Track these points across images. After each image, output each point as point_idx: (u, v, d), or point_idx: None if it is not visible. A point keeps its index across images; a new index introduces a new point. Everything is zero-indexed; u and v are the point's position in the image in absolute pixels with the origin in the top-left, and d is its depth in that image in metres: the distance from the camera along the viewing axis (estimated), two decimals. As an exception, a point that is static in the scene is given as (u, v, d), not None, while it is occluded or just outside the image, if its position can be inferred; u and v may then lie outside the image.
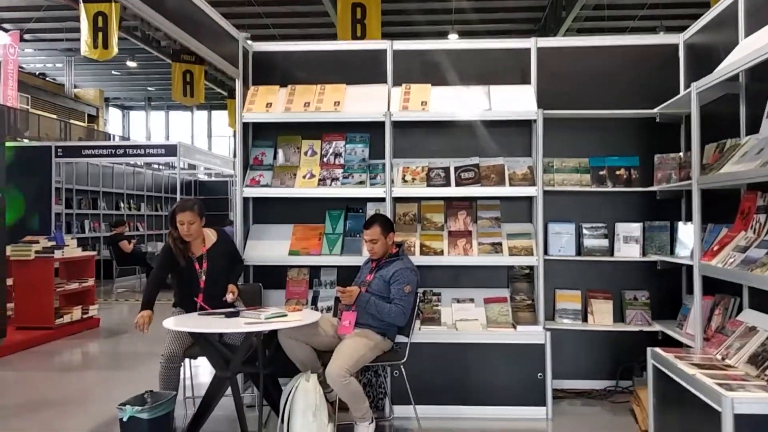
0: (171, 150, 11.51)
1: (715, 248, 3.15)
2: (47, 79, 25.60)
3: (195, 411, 3.65)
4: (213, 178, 17.26)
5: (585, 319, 4.41)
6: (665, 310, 4.35)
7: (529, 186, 4.31)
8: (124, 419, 3.31)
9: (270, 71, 4.79)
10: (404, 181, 4.42)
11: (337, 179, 4.43)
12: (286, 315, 3.58)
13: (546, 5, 13.65)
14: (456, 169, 4.42)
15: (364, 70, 4.69)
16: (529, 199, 4.50)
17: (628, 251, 4.33)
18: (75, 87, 25.90)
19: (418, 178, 4.42)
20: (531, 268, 4.38)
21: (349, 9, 9.55)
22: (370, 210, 4.47)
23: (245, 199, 4.60)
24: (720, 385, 2.38)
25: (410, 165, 4.48)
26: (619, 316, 4.41)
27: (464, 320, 4.26)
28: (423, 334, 4.10)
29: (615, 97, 4.53)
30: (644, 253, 4.33)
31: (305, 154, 4.61)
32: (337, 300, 4.05)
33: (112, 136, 25.68)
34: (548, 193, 4.34)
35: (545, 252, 4.32)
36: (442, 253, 4.33)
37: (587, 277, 4.50)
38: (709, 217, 3.41)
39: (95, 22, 10.26)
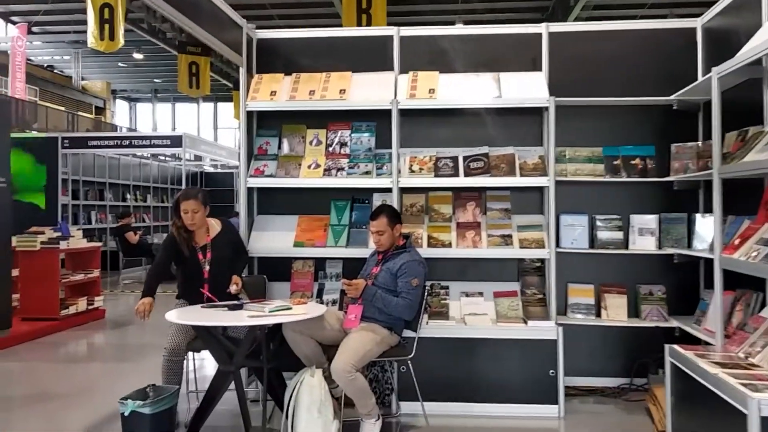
0: (176, 141, 11.50)
1: (737, 241, 3.02)
2: (55, 71, 25.79)
3: (198, 405, 3.58)
4: (219, 170, 17.26)
5: (598, 315, 4.29)
6: (682, 305, 4.22)
7: (540, 176, 4.20)
8: (126, 414, 3.27)
9: (274, 59, 4.71)
10: (411, 171, 4.32)
11: (343, 169, 4.35)
12: (290, 308, 3.50)
13: (554, -7, 13.50)
14: (465, 158, 4.32)
15: (370, 57, 4.61)
16: (541, 190, 4.40)
17: (644, 244, 4.21)
18: (82, 79, 26.12)
19: (425, 167, 4.32)
20: (542, 261, 4.28)
21: (355, -1, 9.44)
22: (377, 201, 4.38)
23: (249, 190, 4.53)
24: (745, 385, 2.26)
25: (417, 154, 4.39)
26: (633, 311, 4.28)
27: (473, 314, 4.17)
28: (431, 328, 4.00)
29: (630, 84, 4.40)
30: (660, 246, 4.21)
31: (310, 143, 4.53)
32: (343, 293, 3.97)
33: (119, 128, 25.76)
34: (560, 184, 4.22)
35: (557, 244, 4.19)
36: (450, 245, 4.24)
37: (601, 271, 4.38)
38: (729, 209, 3.29)
39: (101, 13, 10.28)
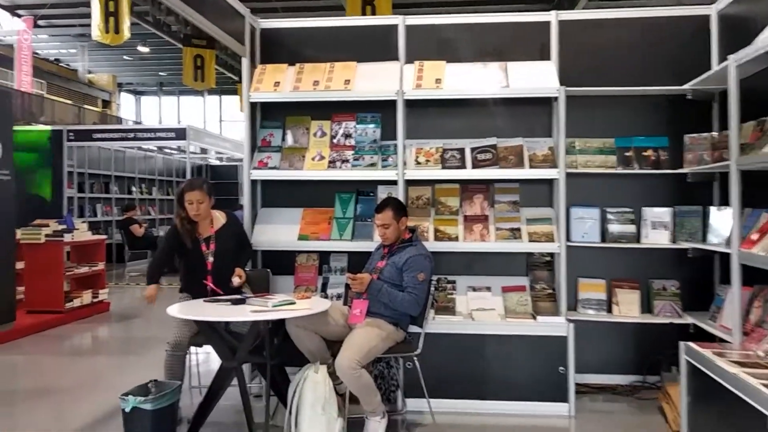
0: (180, 133, 11.46)
1: (755, 236, 2.92)
2: (61, 64, 25.89)
3: (201, 401, 3.52)
4: (224, 162, 17.23)
5: (609, 310, 4.20)
6: (696, 300, 4.12)
7: (550, 168, 4.11)
8: (127, 410, 3.21)
9: (278, 49, 4.65)
10: (417, 163, 4.24)
11: (348, 161, 4.28)
12: (294, 303, 3.43)
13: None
14: (472, 150, 4.24)
15: (375, 46, 4.52)
16: (550, 182, 4.30)
17: (657, 238, 4.10)
18: (89, 72, 26.26)
19: (432, 159, 4.24)
20: (552, 255, 4.19)
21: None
22: (382, 193, 4.30)
23: (253, 182, 4.48)
24: (767, 386, 2.16)
25: (424, 146, 4.31)
26: (646, 306, 4.18)
27: (481, 310, 4.09)
28: (437, 323, 3.92)
29: (642, 73, 4.30)
30: (674, 240, 4.09)
31: (314, 135, 4.46)
32: (348, 287, 3.89)
33: (125, 121, 25.84)
34: (571, 176, 4.12)
35: (567, 238, 4.10)
36: (457, 238, 4.16)
37: (612, 265, 4.28)
38: (746, 201, 3.18)
39: (106, 6, 10.32)
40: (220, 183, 15.01)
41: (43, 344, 6.08)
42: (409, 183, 4.29)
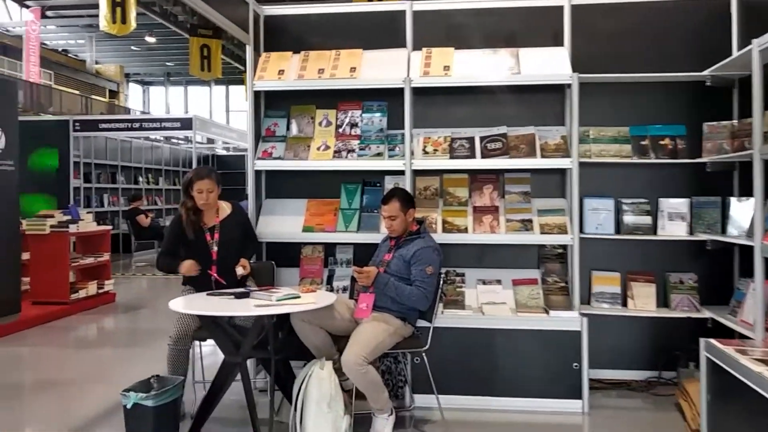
0: (186, 123, 11.44)
1: (779, 227, 2.79)
2: (69, 55, 25.98)
3: (204, 397, 3.44)
4: (231, 153, 17.21)
5: (624, 304, 4.09)
6: (715, 294, 4.01)
7: (562, 157, 4.00)
8: (128, 406, 3.14)
9: (282, 36, 4.57)
10: (425, 152, 4.15)
11: (354, 151, 4.19)
12: (299, 296, 3.35)
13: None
14: (482, 139, 4.13)
15: (381, 33, 4.43)
16: (563, 172, 4.20)
17: (674, 229, 4.00)
18: (96, 63, 26.35)
19: (440, 149, 4.15)
20: (564, 247, 4.09)
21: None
22: (389, 184, 4.22)
23: (257, 173, 4.39)
24: (795, 387, 2.04)
25: (432, 135, 4.21)
26: (662, 300, 4.08)
27: (491, 303, 3.99)
28: (446, 318, 3.82)
29: (658, 59, 4.17)
30: (691, 232, 4.00)
31: (319, 124, 4.37)
32: (354, 280, 3.80)
33: (132, 111, 25.92)
34: (584, 165, 4.01)
35: (581, 230, 4.00)
36: (466, 230, 4.06)
37: (627, 258, 4.17)
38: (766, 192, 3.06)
39: (113, -4, 10.25)
40: (226, 173, 14.98)
41: (49, 336, 6.05)
42: (417, 173, 4.20)
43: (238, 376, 3.36)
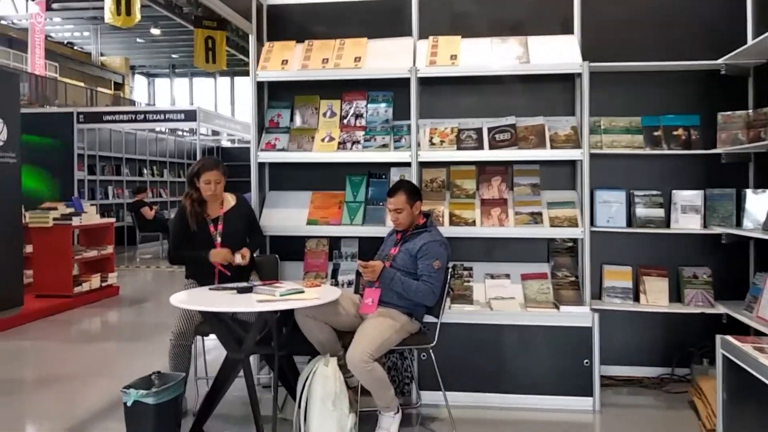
0: (190, 115, 11.40)
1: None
2: (75, 47, 26.03)
3: (206, 393, 3.38)
4: (236, 145, 17.18)
5: (636, 299, 4.01)
6: (730, 289, 3.92)
7: (573, 148, 3.92)
8: (128, 404, 3.06)
9: (285, 26, 4.49)
10: (432, 143, 4.07)
11: (359, 142, 4.13)
12: (303, 291, 3.28)
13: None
14: (490, 130, 4.06)
15: (387, 22, 4.34)
16: (573, 164, 4.12)
17: (687, 222, 3.92)
18: (101, 55, 26.41)
19: (447, 140, 4.07)
20: (575, 240, 4.01)
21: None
22: (394, 176, 4.16)
23: (260, 165, 4.34)
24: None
25: (438, 126, 4.14)
26: (675, 295, 3.99)
27: (499, 298, 3.91)
28: (453, 313, 3.75)
29: (671, 47, 4.07)
30: (705, 225, 3.92)
31: (324, 115, 4.31)
32: (359, 274, 3.73)
33: (137, 104, 25.96)
34: (595, 157, 3.92)
35: (591, 223, 3.91)
36: (474, 223, 3.99)
37: (639, 252, 4.09)
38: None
39: (118, -12, 10.20)
40: (231, 165, 14.92)
41: (51, 329, 6.02)
42: (423, 165, 4.12)
43: (241, 373, 3.29)
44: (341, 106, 4.28)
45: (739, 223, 3.79)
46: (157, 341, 5.27)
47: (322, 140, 4.17)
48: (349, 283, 4.05)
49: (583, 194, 3.87)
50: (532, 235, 3.96)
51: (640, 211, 3.97)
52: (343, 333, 3.42)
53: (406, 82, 4.00)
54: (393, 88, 4.19)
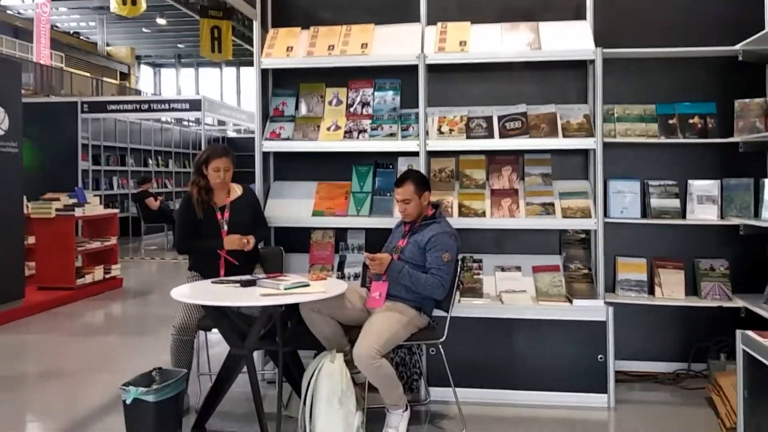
0: (195, 104, 11.33)
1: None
2: (81, 37, 26.05)
3: (209, 390, 3.31)
4: (242, 135, 17.13)
5: (651, 292, 3.92)
6: (748, 282, 3.83)
7: (585, 137, 3.83)
8: (128, 402, 2.97)
9: (291, 12, 4.43)
10: (440, 132, 4.00)
11: (365, 131, 4.06)
12: (308, 285, 3.20)
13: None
14: (500, 118, 3.98)
15: (394, 7, 4.29)
16: (586, 153, 4.04)
17: (703, 213, 3.84)
18: (107, 45, 26.42)
19: (456, 129, 3.99)
20: (588, 232, 3.93)
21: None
22: (402, 165, 4.09)
23: (265, 154, 4.27)
24: None
25: (447, 114, 4.06)
26: (692, 288, 3.90)
27: (510, 292, 3.83)
28: (463, 307, 3.67)
29: (687, 33, 3.97)
30: (722, 216, 3.84)
31: (329, 103, 4.24)
32: (366, 267, 3.64)
33: (143, 94, 25.99)
34: (608, 146, 3.84)
35: (605, 214, 3.83)
36: (483, 214, 3.91)
37: (654, 243, 4.01)
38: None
39: (123, -22, 10.17)
40: (237, 155, 14.91)
41: (53, 323, 5.97)
42: (432, 154, 4.05)
43: (245, 369, 3.21)
44: (347, 94, 4.22)
45: (757, 214, 3.71)
46: (161, 335, 5.19)
47: (328, 129, 4.11)
48: (356, 276, 3.98)
49: (597, 184, 3.80)
50: (544, 226, 3.89)
51: (655, 202, 3.90)
52: (349, 328, 3.34)
53: (414, 69, 3.94)
54: (400, 76, 4.13)
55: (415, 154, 3.95)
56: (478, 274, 3.93)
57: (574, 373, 3.59)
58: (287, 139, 4.14)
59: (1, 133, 5.84)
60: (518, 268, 3.94)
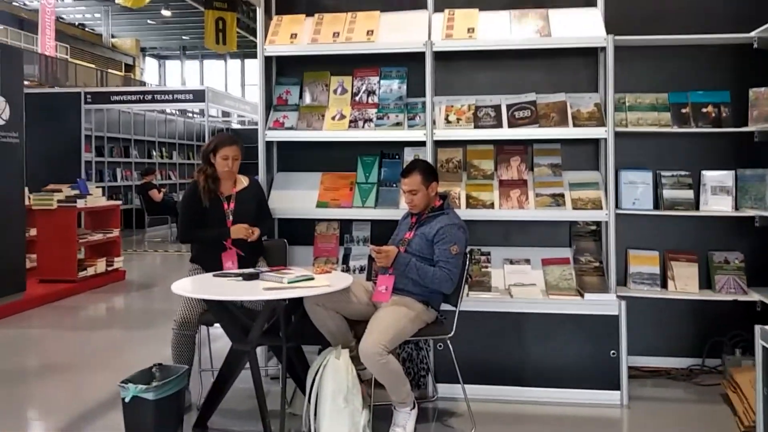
0: (199, 95, 11.28)
1: None
2: (86, 29, 26.07)
3: (211, 387, 3.25)
4: (247, 126, 17.09)
5: (664, 286, 3.86)
6: (764, 275, 3.78)
7: (596, 126, 3.78)
8: (127, 399, 2.90)
9: None
10: (447, 121, 3.95)
11: (371, 120, 4.00)
12: (312, 278, 3.13)
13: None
14: (509, 107, 3.94)
15: None
16: (597, 143, 3.98)
17: (717, 204, 3.79)
18: (112, 37, 26.45)
19: (463, 118, 3.94)
20: (599, 224, 3.87)
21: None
22: (408, 156, 4.04)
23: (268, 144, 4.23)
24: None
25: (455, 103, 4.02)
26: (705, 282, 3.85)
27: (519, 285, 3.76)
28: (471, 301, 3.60)
29: (700, 20, 3.93)
30: (737, 207, 3.78)
31: (334, 92, 4.20)
32: (371, 260, 3.57)
33: (148, 85, 26.00)
34: (620, 135, 3.79)
35: (616, 205, 3.77)
36: (492, 205, 3.85)
37: (667, 236, 3.95)
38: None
39: (128, -31, 10.08)
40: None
41: (55, 316, 5.92)
42: (439, 144, 3.99)
43: (248, 365, 3.15)
44: (353, 83, 4.18)
45: (773, 205, 3.65)
46: (164, 328, 5.08)
47: (333, 118, 4.06)
48: (361, 269, 3.92)
49: (608, 175, 3.75)
50: (554, 217, 3.83)
51: (668, 193, 3.84)
52: (355, 322, 3.27)
53: (420, 56, 3.88)
54: (407, 64, 4.08)
55: (422, 143, 3.89)
56: (486, 267, 3.88)
57: (586, 370, 3.52)
58: (291, 128, 4.09)
59: (1, 123, 5.78)
60: (527, 261, 3.89)
